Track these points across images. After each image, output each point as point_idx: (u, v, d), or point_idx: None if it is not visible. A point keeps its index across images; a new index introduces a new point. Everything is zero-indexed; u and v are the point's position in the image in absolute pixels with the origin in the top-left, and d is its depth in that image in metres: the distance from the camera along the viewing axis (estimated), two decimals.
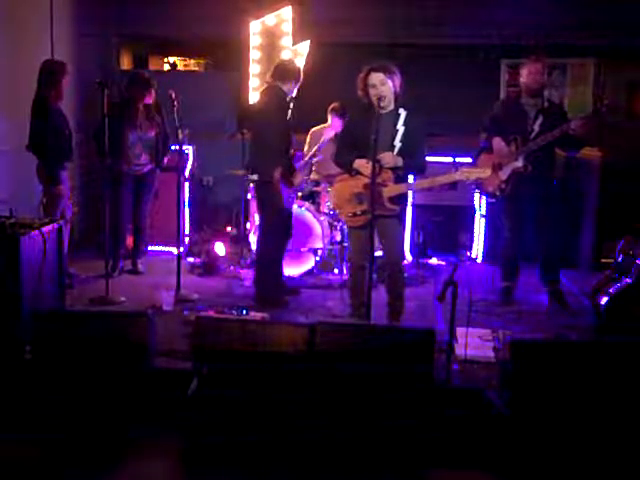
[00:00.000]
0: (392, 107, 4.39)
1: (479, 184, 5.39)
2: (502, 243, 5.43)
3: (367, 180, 4.42)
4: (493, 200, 5.34)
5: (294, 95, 5.36)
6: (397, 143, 4.37)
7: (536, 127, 5.04)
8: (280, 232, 5.27)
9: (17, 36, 5.98)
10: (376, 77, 4.33)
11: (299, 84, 5.24)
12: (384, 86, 4.33)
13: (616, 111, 4.96)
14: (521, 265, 5.41)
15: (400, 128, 4.38)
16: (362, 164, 4.42)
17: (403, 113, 4.41)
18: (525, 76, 5.10)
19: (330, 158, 5.37)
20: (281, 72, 5.15)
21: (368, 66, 4.38)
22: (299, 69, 5.26)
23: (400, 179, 4.41)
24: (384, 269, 4.67)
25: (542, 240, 5.28)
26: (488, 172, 4.40)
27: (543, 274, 5.37)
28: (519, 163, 5.05)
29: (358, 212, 4.51)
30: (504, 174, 5.13)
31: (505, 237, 5.36)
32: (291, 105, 5.22)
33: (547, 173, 5.17)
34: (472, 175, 4.38)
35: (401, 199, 4.47)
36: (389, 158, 4.32)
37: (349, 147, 4.54)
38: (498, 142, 5.13)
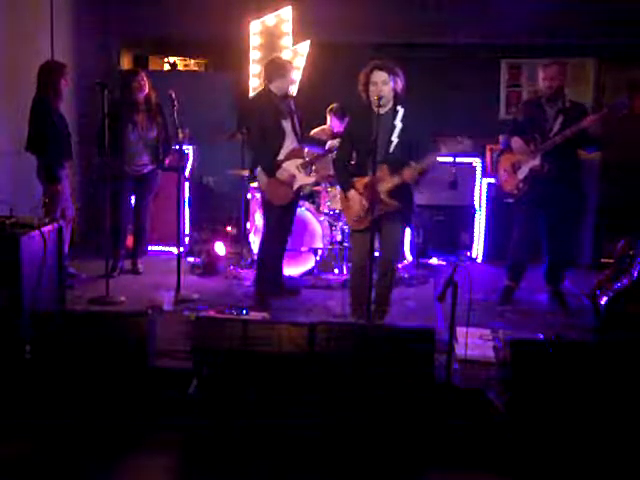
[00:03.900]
0: (390, 106, 4.39)
1: (500, 184, 5.38)
2: (513, 242, 5.35)
3: (364, 181, 4.44)
4: (511, 200, 5.31)
5: (290, 91, 5.36)
6: (394, 139, 4.37)
7: (556, 126, 4.98)
8: (274, 230, 5.26)
9: (17, 36, 5.98)
10: (379, 75, 4.33)
11: (289, 78, 5.21)
12: (385, 86, 4.32)
13: (621, 110, 4.91)
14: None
15: (398, 124, 4.39)
16: (359, 186, 4.47)
17: (401, 110, 4.42)
18: (540, 81, 5.07)
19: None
20: (266, 73, 5.19)
21: (373, 63, 4.38)
22: (283, 64, 5.20)
23: (395, 171, 4.36)
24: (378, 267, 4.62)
25: (553, 241, 5.24)
26: (468, 142, 4.35)
27: (550, 275, 5.35)
28: (536, 162, 5.03)
29: (362, 214, 4.51)
30: (522, 173, 5.11)
31: (517, 237, 5.29)
32: (292, 104, 5.21)
33: (568, 175, 5.08)
34: (456, 148, 4.34)
35: (401, 192, 4.40)
36: (387, 180, 4.33)
37: (349, 150, 4.57)
38: (516, 141, 5.11)
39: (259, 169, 5.10)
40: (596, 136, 4.96)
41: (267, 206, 5.23)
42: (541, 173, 5.01)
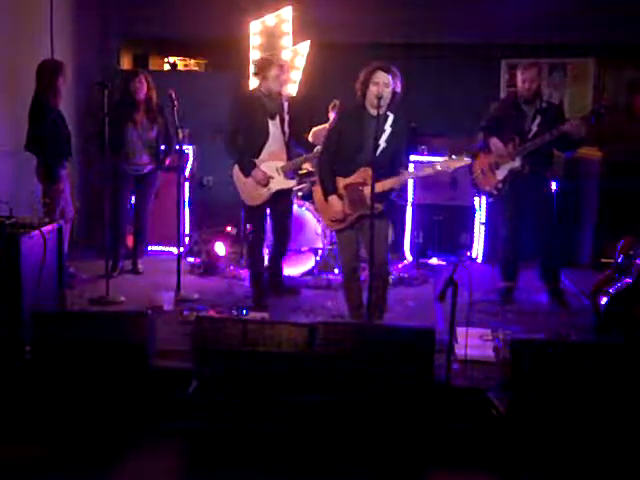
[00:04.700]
0: (384, 109, 4.36)
1: (476, 183, 5.41)
2: (501, 243, 5.44)
3: (347, 181, 4.43)
4: (491, 199, 5.39)
5: (284, 91, 5.34)
6: (382, 143, 4.35)
7: (534, 127, 5.07)
8: (257, 231, 5.23)
9: (17, 36, 5.98)
10: (382, 76, 4.30)
11: (275, 79, 5.03)
12: (387, 87, 4.30)
13: (615, 111, 4.95)
14: (520, 265, 5.42)
15: (387, 129, 4.38)
16: (340, 186, 4.44)
17: (391, 116, 4.41)
18: (520, 82, 5.12)
19: None
20: (254, 71, 5.24)
21: (376, 63, 4.36)
22: (266, 65, 5.07)
23: (380, 177, 4.31)
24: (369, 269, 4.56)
25: (541, 239, 5.29)
26: (467, 160, 4.35)
27: (543, 273, 5.38)
28: (517, 163, 5.09)
29: (341, 216, 4.48)
30: (501, 174, 5.18)
31: (503, 237, 5.37)
32: (285, 105, 5.16)
33: (544, 173, 5.20)
34: (452, 165, 4.31)
35: (383, 196, 4.36)
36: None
37: (334, 147, 4.50)
38: (496, 142, 5.16)
39: (236, 167, 5.10)
40: (576, 139, 5.01)
41: (244, 206, 5.27)
42: (521, 174, 5.07)
